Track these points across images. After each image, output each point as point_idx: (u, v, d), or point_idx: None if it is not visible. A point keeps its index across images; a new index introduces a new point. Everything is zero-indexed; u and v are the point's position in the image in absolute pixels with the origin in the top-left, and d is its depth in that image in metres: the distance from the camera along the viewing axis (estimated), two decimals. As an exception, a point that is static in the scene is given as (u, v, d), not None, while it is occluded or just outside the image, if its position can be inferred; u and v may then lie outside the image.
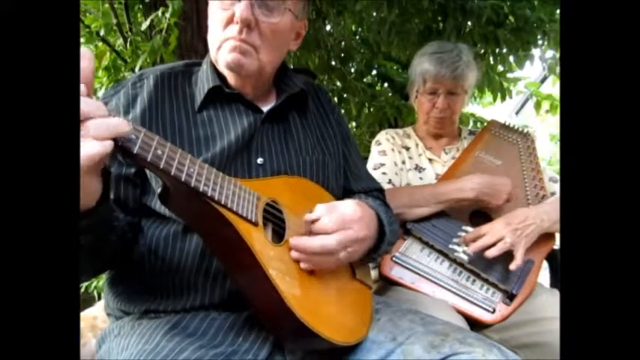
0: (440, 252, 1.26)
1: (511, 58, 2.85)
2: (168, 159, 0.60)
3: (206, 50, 0.92)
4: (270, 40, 0.86)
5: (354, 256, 0.83)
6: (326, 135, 1.00)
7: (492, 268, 1.22)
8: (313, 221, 0.79)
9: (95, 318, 1.58)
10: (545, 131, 8.84)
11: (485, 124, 1.69)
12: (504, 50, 2.78)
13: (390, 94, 3.28)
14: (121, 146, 0.55)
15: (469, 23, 2.70)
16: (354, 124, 3.30)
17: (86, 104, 0.51)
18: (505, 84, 2.93)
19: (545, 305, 1.19)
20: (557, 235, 1.33)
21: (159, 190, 0.68)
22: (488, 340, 0.74)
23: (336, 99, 3.12)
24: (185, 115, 0.86)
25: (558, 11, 2.69)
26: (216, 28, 0.86)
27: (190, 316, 0.78)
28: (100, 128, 0.52)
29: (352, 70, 3.34)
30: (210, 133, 0.85)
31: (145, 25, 2.06)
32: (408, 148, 1.53)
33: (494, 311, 1.17)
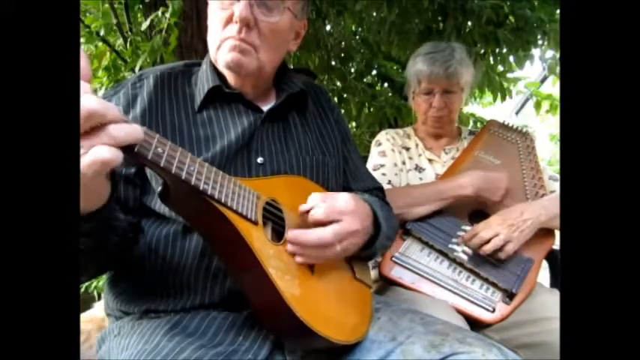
0: (440, 252, 1.26)
1: (511, 58, 2.85)
2: (169, 157, 0.60)
3: (206, 50, 0.92)
4: (270, 40, 0.86)
5: (350, 250, 0.82)
6: (325, 135, 1.00)
7: (492, 268, 1.22)
8: (307, 211, 0.78)
9: (104, 320, 1.59)
10: (545, 131, 8.85)
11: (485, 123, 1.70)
12: (504, 50, 2.78)
13: (390, 94, 3.28)
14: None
15: (469, 23, 2.70)
16: (354, 124, 3.30)
17: (102, 106, 0.50)
18: (505, 84, 2.93)
19: (545, 305, 1.19)
20: (557, 235, 1.33)
21: (159, 188, 0.68)
22: (488, 340, 0.74)
23: (336, 99, 3.12)
24: (185, 115, 0.86)
25: (558, 11, 2.69)
26: (215, 28, 0.86)
27: (190, 315, 0.78)
28: (119, 133, 0.51)
29: (352, 70, 3.34)
30: (210, 133, 0.85)
31: (145, 25, 2.06)
32: (408, 149, 1.53)
33: (494, 310, 1.17)
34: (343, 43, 3.19)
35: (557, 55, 2.74)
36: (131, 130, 0.53)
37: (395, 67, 3.51)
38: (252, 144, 0.87)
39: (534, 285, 1.24)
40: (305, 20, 0.97)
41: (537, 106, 3.18)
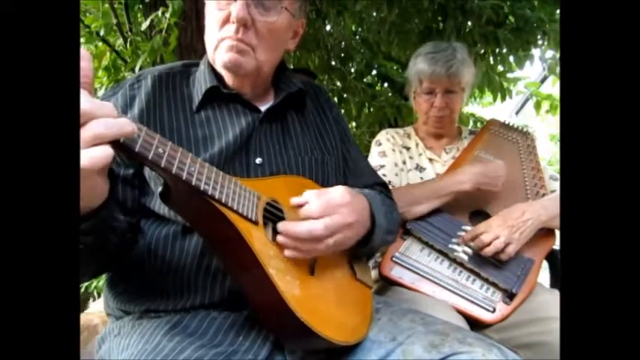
0: (440, 252, 1.26)
1: (511, 58, 2.85)
2: (169, 157, 0.60)
3: (205, 50, 0.92)
4: (267, 40, 0.86)
5: (344, 244, 0.80)
6: (325, 134, 1.00)
7: (492, 268, 1.22)
8: (300, 206, 0.77)
9: (97, 326, 1.59)
10: (545, 131, 8.84)
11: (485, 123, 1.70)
12: (504, 50, 2.78)
13: (390, 94, 3.28)
14: (122, 144, 0.55)
15: (469, 23, 2.70)
16: (354, 124, 3.30)
17: (92, 105, 0.50)
18: (505, 84, 2.93)
19: (545, 305, 1.19)
20: (557, 235, 1.33)
21: (160, 189, 0.68)
22: (488, 340, 0.74)
23: (336, 99, 3.12)
24: (183, 116, 0.86)
25: (558, 11, 2.69)
26: (212, 28, 0.86)
27: (190, 315, 0.78)
28: (99, 128, 0.50)
29: (352, 70, 3.34)
30: (209, 134, 0.85)
31: (145, 25, 2.06)
32: (408, 148, 1.53)
33: (494, 310, 1.17)
34: (343, 43, 3.19)
35: (557, 55, 2.75)
36: (113, 124, 0.51)
37: (395, 67, 3.51)
38: (250, 144, 0.87)
39: (534, 285, 1.24)
40: (303, 19, 0.96)
41: (537, 106, 3.18)
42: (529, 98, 3.85)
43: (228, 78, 0.90)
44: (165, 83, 0.88)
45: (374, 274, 1.26)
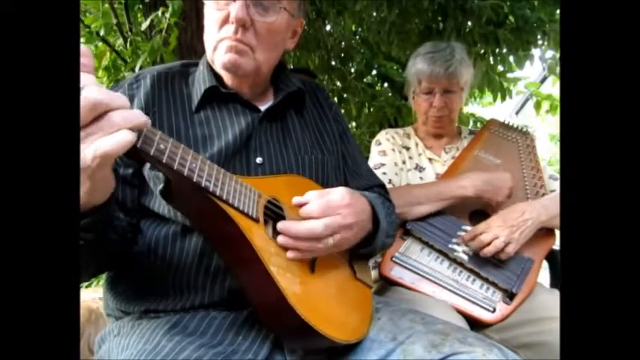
0: (440, 252, 1.26)
1: (511, 58, 2.85)
2: (171, 154, 0.60)
3: (205, 50, 0.92)
4: (266, 40, 0.86)
5: (344, 244, 0.80)
6: (324, 133, 1.00)
7: (492, 268, 1.22)
8: (301, 205, 0.77)
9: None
10: (545, 131, 8.85)
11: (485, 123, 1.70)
12: (504, 50, 2.78)
13: (390, 94, 3.29)
14: None
15: (469, 23, 2.70)
16: (354, 124, 3.30)
17: (106, 96, 0.51)
18: (505, 84, 2.93)
19: (545, 305, 1.19)
20: (557, 235, 1.33)
21: (161, 186, 0.68)
22: (488, 340, 0.74)
23: (336, 99, 3.13)
24: (182, 116, 0.86)
25: (558, 11, 2.69)
26: (211, 29, 0.86)
27: (190, 315, 0.78)
28: (117, 119, 0.51)
29: (352, 70, 3.35)
30: (208, 134, 0.85)
31: (145, 25, 2.06)
32: (408, 148, 1.53)
33: (494, 310, 1.17)
34: (343, 43, 3.19)
35: (557, 55, 2.75)
36: (129, 115, 0.53)
37: (395, 67, 3.51)
38: (250, 144, 0.87)
39: (534, 285, 1.24)
40: (302, 19, 0.96)
41: (537, 106, 3.18)
42: (529, 98, 3.86)
43: (227, 78, 0.90)
44: (165, 83, 0.88)
45: (374, 274, 1.26)
